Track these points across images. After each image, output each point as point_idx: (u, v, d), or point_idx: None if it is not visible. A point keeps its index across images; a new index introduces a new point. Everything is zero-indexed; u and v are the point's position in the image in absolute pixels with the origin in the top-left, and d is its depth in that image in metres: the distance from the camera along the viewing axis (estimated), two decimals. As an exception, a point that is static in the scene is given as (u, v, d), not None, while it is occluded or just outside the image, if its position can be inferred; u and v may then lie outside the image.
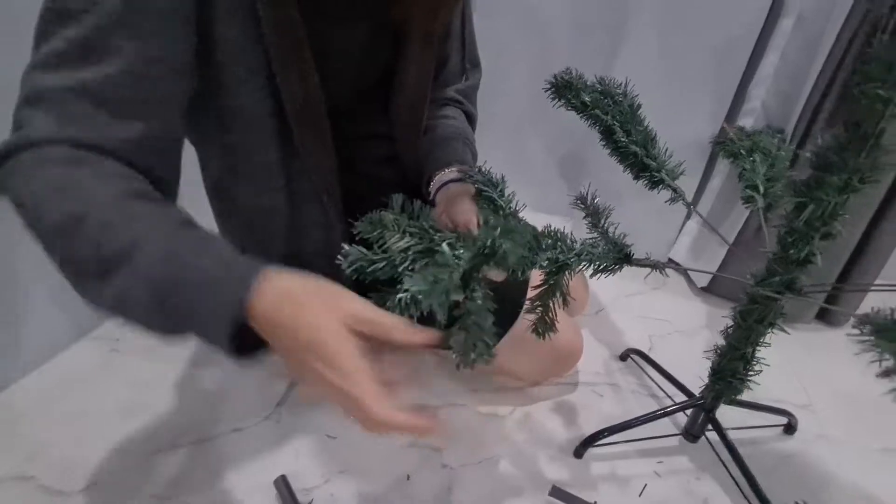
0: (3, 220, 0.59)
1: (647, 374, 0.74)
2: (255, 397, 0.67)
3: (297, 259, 0.56)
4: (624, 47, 0.88)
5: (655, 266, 0.49)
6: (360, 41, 0.52)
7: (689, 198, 0.98)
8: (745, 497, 0.56)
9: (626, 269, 0.70)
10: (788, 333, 0.49)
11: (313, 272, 0.34)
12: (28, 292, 0.65)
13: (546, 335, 0.50)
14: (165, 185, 0.40)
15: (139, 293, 0.31)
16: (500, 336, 0.62)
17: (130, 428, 0.61)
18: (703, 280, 0.94)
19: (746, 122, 0.82)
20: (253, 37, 0.41)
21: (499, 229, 0.38)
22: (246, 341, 0.33)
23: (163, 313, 0.32)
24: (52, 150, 0.33)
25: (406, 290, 0.33)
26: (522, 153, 1.14)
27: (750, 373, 0.54)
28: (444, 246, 0.37)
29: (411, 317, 0.34)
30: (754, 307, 0.49)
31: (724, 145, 0.74)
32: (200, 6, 0.38)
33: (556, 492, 0.55)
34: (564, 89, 0.57)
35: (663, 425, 0.65)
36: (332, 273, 0.39)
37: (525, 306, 0.62)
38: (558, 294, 0.48)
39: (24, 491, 0.53)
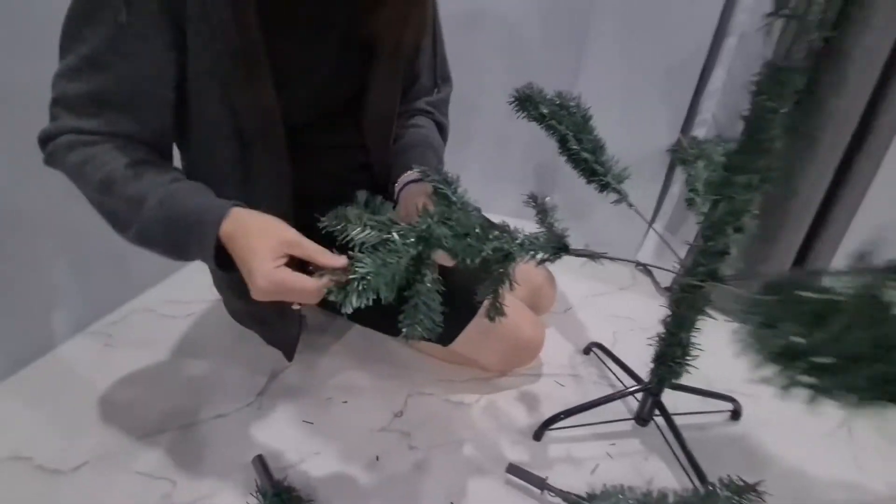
0: (4, 220, 0.65)
1: (607, 366, 0.79)
2: (238, 387, 0.71)
3: None
4: (589, 65, 0.95)
5: (591, 255, 0.54)
6: (330, 60, 0.58)
7: (653, 203, 1.05)
8: (687, 474, 0.61)
9: (596, 270, 0.75)
10: (716, 320, 0.55)
11: None
12: (27, 290, 0.70)
13: (497, 319, 0.55)
14: (161, 154, 0.53)
15: (153, 229, 0.47)
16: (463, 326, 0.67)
17: (121, 414, 0.66)
18: (666, 280, 1.00)
19: (700, 132, 0.88)
20: (214, 55, 0.47)
21: (435, 217, 0.43)
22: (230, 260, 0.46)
23: (170, 240, 0.48)
24: (77, 137, 0.47)
25: (356, 272, 0.38)
26: (500, 164, 1.20)
27: (687, 357, 0.59)
28: (395, 234, 0.43)
29: (369, 302, 0.40)
30: (685, 296, 0.55)
31: (678, 154, 0.80)
32: (179, 32, 0.46)
33: (512, 469, 0.59)
34: (526, 102, 0.63)
35: (618, 411, 0.70)
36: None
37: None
38: (507, 281, 0.53)
39: (23, 469, 0.58)
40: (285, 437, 0.64)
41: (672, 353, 0.59)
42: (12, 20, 0.61)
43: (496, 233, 0.51)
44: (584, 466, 0.63)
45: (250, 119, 0.51)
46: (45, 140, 0.48)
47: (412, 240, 0.43)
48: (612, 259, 0.55)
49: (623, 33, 0.90)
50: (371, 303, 0.39)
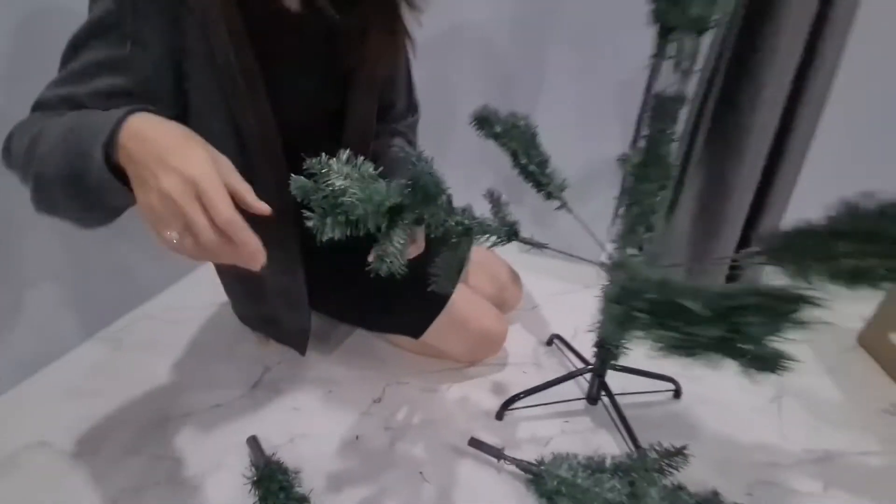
0: (22, 226, 0.74)
1: (566, 355, 0.88)
2: (234, 381, 0.80)
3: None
4: (547, 89, 1.06)
5: (536, 245, 0.63)
6: (315, 86, 0.67)
7: (611, 209, 1.14)
8: (626, 444, 0.70)
9: (563, 271, 0.83)
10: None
11: (271, 268, 0.45)
12: (41, 298, 0.79)
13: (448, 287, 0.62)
14: None
15: (52, 143, 0.42)
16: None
17: (131, 406, 0.74)
18: (626, 279, 1.09)
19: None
20: (219, 85, 0.54)
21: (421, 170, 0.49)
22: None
23: (67, 156, 0.40)
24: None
25: (346, 197, 0.44)
26: (475, 177, 1.30)
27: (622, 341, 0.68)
28: (381, 183, 0.49)
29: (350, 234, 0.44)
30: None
31: (624, 164, 0.90)
32: (177, 57, 0.52)
33: (473, 442, 0.68)
34: (483, 122, 0.73)
35: (571, 392, 0.79)
36: (287, 258, 0.53)
37: (458, 288, 0.77)
38: (465, 255, 0.60)
39: (46, 453, 0.67)
40: (275, 421, 0.73)
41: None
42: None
43: (460, 209, 0.59)
44: (540, 441, 0.72)
45: (252, 135, 0.58)
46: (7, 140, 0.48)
47: (398, 190, 0.49)
48: (553, 250, 0.64)
49: (578, 62, 1.01)
50: (351, 233, 0.43)
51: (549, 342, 0.92)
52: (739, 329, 0.36)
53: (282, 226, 0.65)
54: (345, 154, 0.45)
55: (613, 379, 0.76)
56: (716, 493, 0.58)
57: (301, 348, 0.81)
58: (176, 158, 0.37)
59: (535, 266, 1.07)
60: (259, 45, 0.55)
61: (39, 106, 0.49)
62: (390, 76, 0.77)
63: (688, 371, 0.83)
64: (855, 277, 0.39)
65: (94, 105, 0.48)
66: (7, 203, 0.70)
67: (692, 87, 0.89)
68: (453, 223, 0.56)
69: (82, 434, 0.69)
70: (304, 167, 0.45)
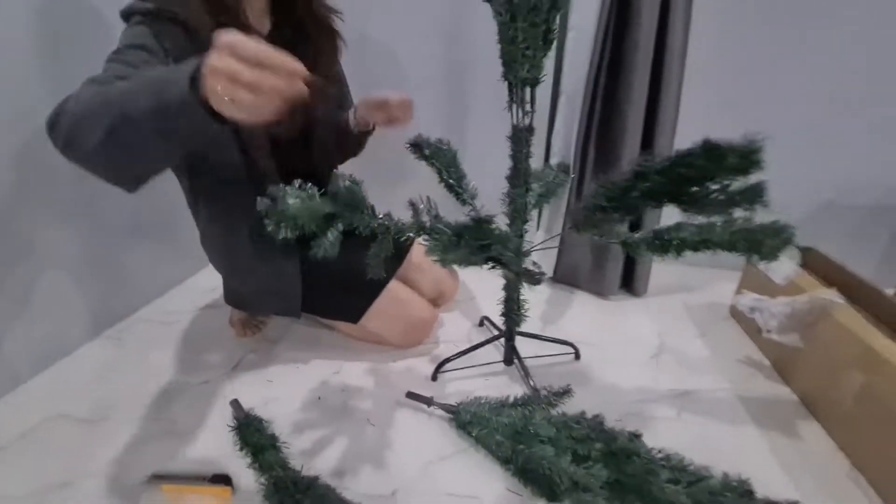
0: (30, 231, 0.92)
1: (491, 332, 1.08)
2: (218, 363, 0.98)
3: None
4: (476, 114, 1.29)
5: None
6: None
7: (536, 217, 1.37)
8: (529, 390, 0.89)
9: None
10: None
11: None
12: (53, 304, 0.97)
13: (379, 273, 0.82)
14: None
15: (135, 88, 0.50)
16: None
17: (134, 386, 0.92)
18: (550, 272, 1.31)
19: (554, 161, 1.22)
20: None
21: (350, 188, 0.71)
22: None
23: (154, 92, 0.48)
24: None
25: (287, 204, 0.65)
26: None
27: (522, 310, 0.89)
28: (318, 198, 0.70)
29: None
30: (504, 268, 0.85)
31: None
32: None
33: (409, 394, 0.87)
34: (417, 147, 0.95)
35: (493, 356, 0.98)
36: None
37: (391, 281, 0.97)
38: (388, 248, 0.80)
39: (65, 422, 0.83)
40: (252, 391, 0.91)
41: (510, 308, 0.89)
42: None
43: (381, 215, 0.80)
44: (464, 394, 0.91)
45: (257, 165, 0.80)
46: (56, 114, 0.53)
47: (329, 201, 0.70)
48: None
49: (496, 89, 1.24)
50: (299, 232, 0.64)
51: (480, 323, 1.12)
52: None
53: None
54: (297, 182, 0.67)
55: (528, 346, 0.96)
56: (583, 413, 0.78)
57: (295, 312, 0.96)
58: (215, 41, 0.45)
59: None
60: None
61: (94, 81, 0.57)
62: (334, 75, 0.97)
63: (586, 338, 1.04)
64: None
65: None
66: (22, 225, 0.89)
67: (581, 87, 1.13)
68: (376, 225, 0.77)
69: (94, 405, 0.86)
70: (268, 193, 0.66)
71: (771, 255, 0.68)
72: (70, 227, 0.97)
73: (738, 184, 0.53)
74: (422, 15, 1.26)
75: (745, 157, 0.48)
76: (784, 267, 1.03)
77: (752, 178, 0.51)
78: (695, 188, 0.55)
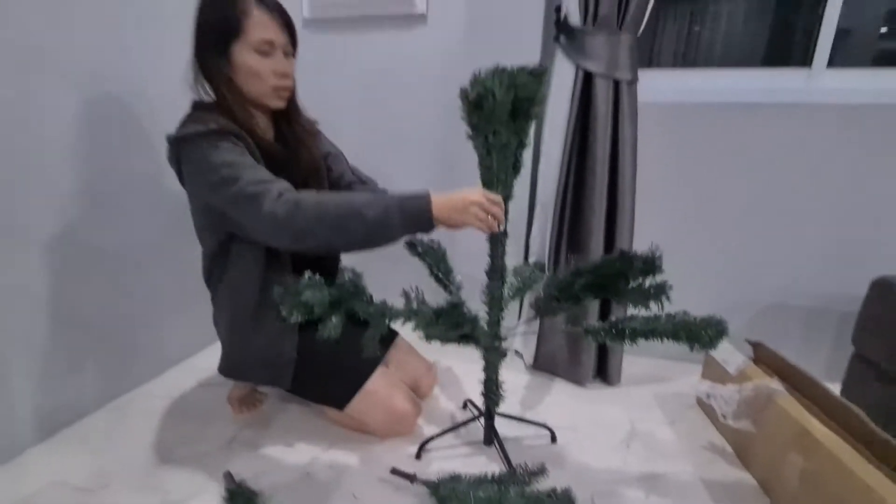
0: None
1: (473, 413, 1.16)
2: (214, 437, 1.04)
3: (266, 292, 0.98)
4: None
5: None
6: (287, 162, 1.00)
7: (518, 307, 1.50)
8: (506, 468, 0.95)
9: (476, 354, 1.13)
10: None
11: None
12: (63, 377, 1.05)
13: (374, 352, 0.93)
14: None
15: (391, 213, 0.79)
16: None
17: (135, 454, 0.97)
18: (530, 360, 1.41)
19: (532, 259, 1.38)
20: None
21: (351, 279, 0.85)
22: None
23: (402, 215, 0.79)
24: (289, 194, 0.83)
25: (303, 295, 0.78)
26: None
27: (500, 390, 0.98)
28: (328, 289, 0.83)
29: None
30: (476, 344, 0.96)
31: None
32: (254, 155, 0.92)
33: (393, 470, 0.93)
34: (411, 246, 1.11)
35: (476, 437, 1.05)
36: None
37: (378, 369, 1.06)
38: (383, 329, 0.92)
39: (63, 490, 0.87)
40: (245, 464, 0.96)
41: (489, 388, 0.98)
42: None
43: (376, 303, 0.92)
44: (446, 472, 0.96)
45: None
46: (288, 206, 0.80)
47: (332, 295, 0.83)
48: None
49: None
50: (308, 317, 0.78)
51: (464, 406, 1.19)
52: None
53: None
54: (307, 275, 0.85)
55: (507, 428, 1.04)
56: (554, 490, 0.84)
57: (286, 381, 1.03)
58: (465, 194, 0.81)
59: (462, 351, 1.39)
60: (264, 151, 0.94)
61: (281, 194, 0.82)
62: (325, 157, 1.13)
63: (562, 422, 1.12)
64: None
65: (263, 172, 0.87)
66: (59, 291, 1.01)
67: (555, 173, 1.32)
68: (372, 310, 0.90)
69: (94, 474, 0.91)
70: (282, 286, 0.82)
71: (709, 344, 0.81)
72: (96, 293, 1.09)
73: (651, 281, 0.68)
74: (424, 145, 1.50)
75: (649, 263, 0.63)
76: (736, 358, 1.15)
77: (659, 278, 0.66)
78: (619, 284, 0.70)
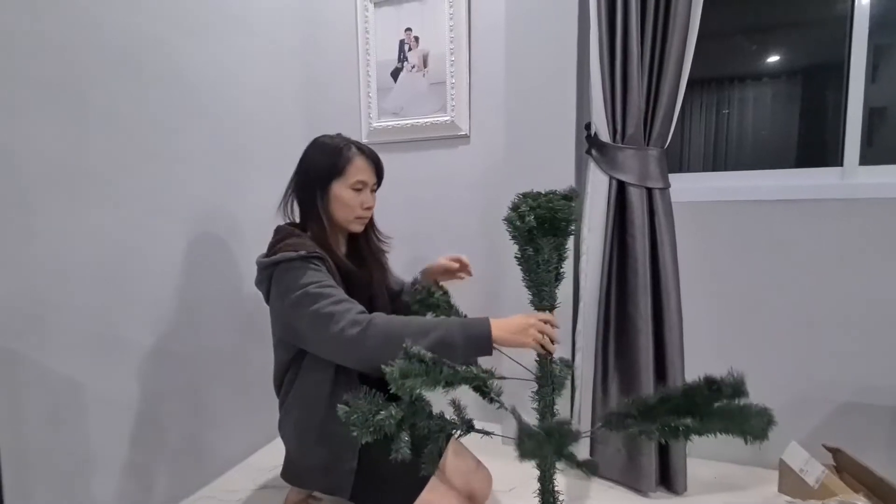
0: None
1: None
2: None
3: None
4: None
5: (486, 433, 0.97)
6: (365, 283, 1.13)
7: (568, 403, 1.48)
8: None
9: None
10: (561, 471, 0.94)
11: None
12: (124, 479, 1.12)
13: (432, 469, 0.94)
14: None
15: (454, 337, 0.87)
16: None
17: None
18: (586, 465, 1.35)
19: (578, 354, 1.39)
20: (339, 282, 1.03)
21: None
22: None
23: (465, 338, 0.87)
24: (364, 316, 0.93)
25: (385, 414, 0.82)
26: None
27: (557, 502, 0.95)
28: (391, 409, 0.88)
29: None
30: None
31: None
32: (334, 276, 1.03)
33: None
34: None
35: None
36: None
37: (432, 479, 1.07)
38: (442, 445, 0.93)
39: None
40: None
41: (545, 499, 0.96)
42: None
43: (437, 416, 0.95)
44: None
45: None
46: (360, 327, 0.89)
47: (400, 414, 0.88)
48: (499, 435, 0.98)
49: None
50: (379, 437, 0.80)
51: (519, 516, 1.15)
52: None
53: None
54: (372, 395, 0.87)
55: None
56: None
57: (346, 490, 1.04)
58: (525, 318, 0.89)
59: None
60: (342, 271, 1.06)
61: (355, 319, 0.91)
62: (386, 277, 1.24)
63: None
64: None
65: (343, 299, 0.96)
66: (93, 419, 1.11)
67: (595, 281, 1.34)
68: (433, 425, 0.93)
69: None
70: (348, 404, 0.88)
71: (759, 434, 0.79)
72: (175, 395, 1.19)
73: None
74: (471, 247, 1.62)
75: (737, 389, 0.67)
76: (814, 468, 1.07)
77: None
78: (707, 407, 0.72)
